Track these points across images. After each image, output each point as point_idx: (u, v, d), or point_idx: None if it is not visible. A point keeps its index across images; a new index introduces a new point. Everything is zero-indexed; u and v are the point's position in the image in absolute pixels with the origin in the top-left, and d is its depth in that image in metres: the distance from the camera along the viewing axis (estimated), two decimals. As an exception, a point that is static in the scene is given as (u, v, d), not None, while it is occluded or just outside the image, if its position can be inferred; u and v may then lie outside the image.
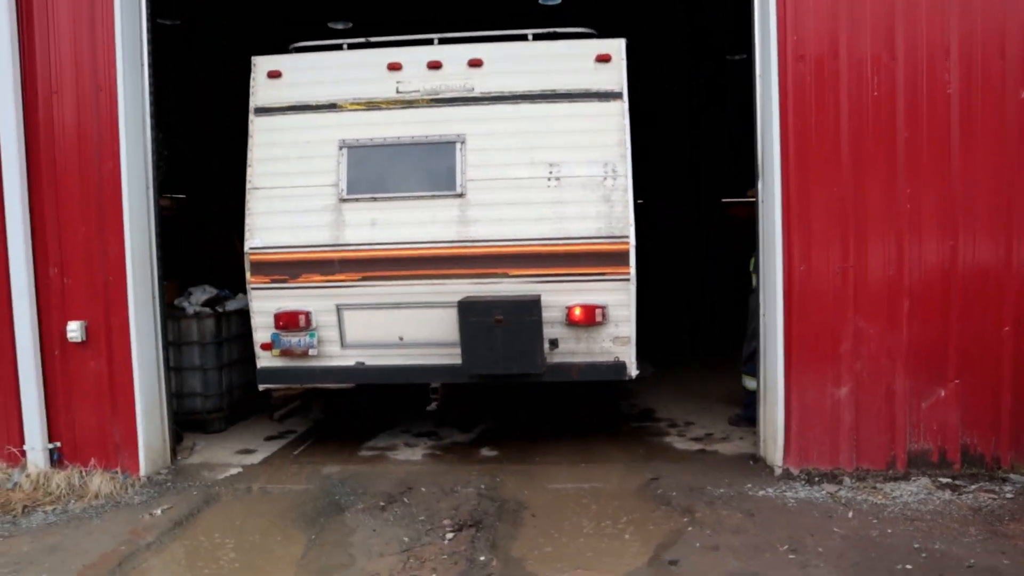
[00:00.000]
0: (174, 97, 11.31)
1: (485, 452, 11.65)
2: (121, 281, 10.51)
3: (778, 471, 10.26)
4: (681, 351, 18.50)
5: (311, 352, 10.96)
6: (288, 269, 10.83)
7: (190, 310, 12.61)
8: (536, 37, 10.96)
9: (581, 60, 10.79)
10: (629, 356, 10.65)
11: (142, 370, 10.65)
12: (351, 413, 13.82)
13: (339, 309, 10.91)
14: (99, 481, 10.52)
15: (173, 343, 11.95)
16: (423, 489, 10.17)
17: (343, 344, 11.00)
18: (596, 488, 10.10)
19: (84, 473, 10.66)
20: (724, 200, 23.80)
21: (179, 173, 11.96)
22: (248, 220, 10.87)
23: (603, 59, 10.78)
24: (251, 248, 10.90)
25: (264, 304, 10.95)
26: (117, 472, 10.73)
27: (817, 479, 10.08)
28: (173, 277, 11.79)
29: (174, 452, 11.32)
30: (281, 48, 11.55)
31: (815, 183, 9.96)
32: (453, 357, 10.48)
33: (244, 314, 12.02)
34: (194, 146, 16.59)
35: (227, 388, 12.78)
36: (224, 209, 17.45)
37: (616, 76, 10.76)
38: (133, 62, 10.55)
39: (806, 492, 9.79)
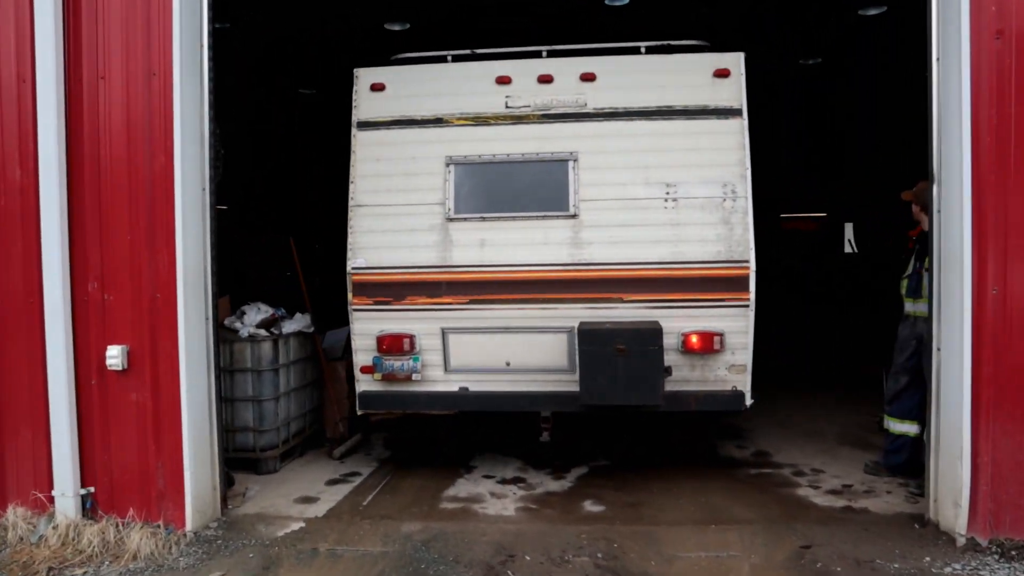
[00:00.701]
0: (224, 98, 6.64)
1: (589, 507, 7.02)
2: (171, 299, 6.21)
3: (961, 540, 5.81)
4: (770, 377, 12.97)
5: (415, 377, 7.30)
6: (392, 290, 7.28)
7: (244, 332, 7.99)
8: (649, 50, 7.26)
9: (698, 75, 7.11)
10: (745, 385, 7.06)
11: (191, 403, 6.31)
12: (420, 451, 8.95)
13: (444, 332, 7.27)
14: (138, 537, 6.08)
15: (224, 370, 7.53)
16: (527, 557, 5.88)
17: (447, 369, 7.36)
18: (738, 559, 5.80)
19: (121, 526, 6.26)
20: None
21: (228, 178, 7.28)
22: (350, 239, 7.39)
23: (721, 74, 7.06)
24: (354, 268, 7.33)
25: (366, 326, 7.36)
26: (159, 526, 6.30)
27: (1013, 553, 5.64)
28: (224, 293, 7.59)
29: (224, 500, 6.85)
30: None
31: (1015, 189, 5.65)
32: (563, 384, 7.19)
33: (303, 337, 8.63)
34: (241, 150, 11.45)
35: (283, 421, 8.22)
36: (283, 216, 12.81)
37: (735, 92, 7.07)
38: (192, 44, 6.33)
39: (1007, 572, 5.43)
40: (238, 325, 7.88)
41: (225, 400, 7.32)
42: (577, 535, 6.23)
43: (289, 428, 8.28)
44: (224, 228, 6.66)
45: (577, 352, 6.74)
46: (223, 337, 7.33)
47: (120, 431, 6.29)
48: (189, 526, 6.23)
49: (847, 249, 15.59)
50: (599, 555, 5.87)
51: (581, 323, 6.91)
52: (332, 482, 7.69)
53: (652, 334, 6.66)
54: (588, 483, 7.49)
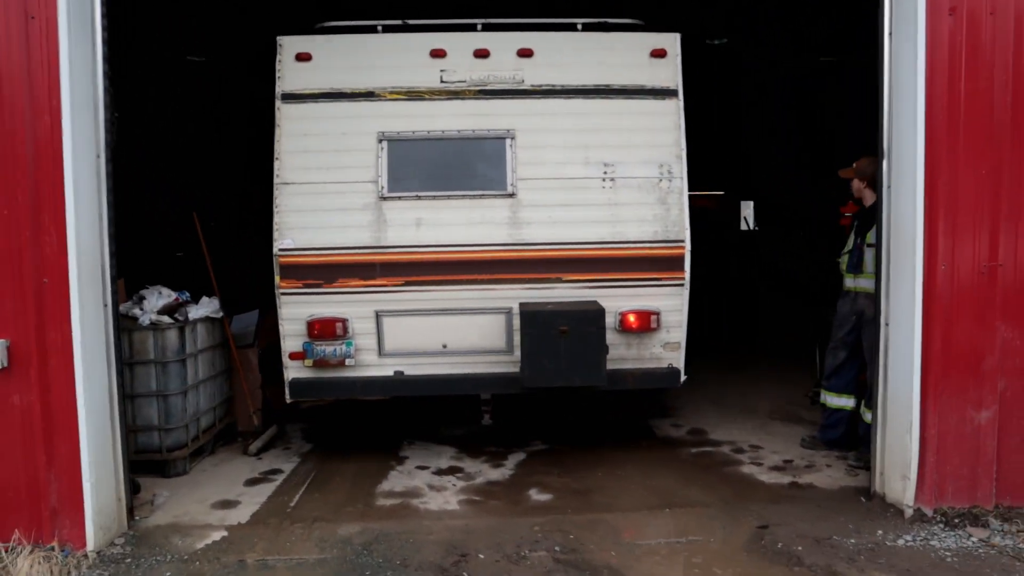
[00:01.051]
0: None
1: (536, 496, 5.51)
2: (62, 284, 4.30)
3: (909, 512, 4.81)
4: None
5: (348, 362, 5.66)
6: (323, 273, 5.62)
7: (144, 320, 5.81)
8: (586, 27, 5.85)
9: (635, 54, 5.76)
10: (680, 362, 5.89)
11: (90, 404, 4.42)
12: (343, 442, 6.78)
13: (378, 315, 5.67)
14: (27, 565, 4.14)
15: (124, 363, 5.08)
16: (481, 556, 4.44)
17: (381, 353, 5.75)
18: (699, 544, 4.57)
19: (4, 552, 4.25)
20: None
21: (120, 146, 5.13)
22: (277, 218, 5.66)
23: (658, 54, 5.74)
24: (281, 250, 5.61)
25: (295, 310, 5.67)
26: (54, 548, 4.35)
27: (956, 521, 4.72)
28: (118, 276, 5.14)
29: (131, 511, 4.92)
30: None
31: (965, 166, 4.64)
32: (502, 365, 5.77)
33: (211, 323, 6.43)
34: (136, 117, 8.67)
35: (192, 417, 6.10)
36: (185, 185, 9.73)
37: (672, 72, 5.78)
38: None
39: (954, 540, 4.52)
40: (137, 312, 5.74)
41: (128, 397, 5.34)
42: (530, 528, 4.83)
43: (199, 424, 6.18)
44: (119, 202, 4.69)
45: (520, 334, 5.39)
46: (121, 326, 5.03)
47: (1, 442, 4.36)
48: (91, 545, 4.38)
49: (744, 227, 14.07)
50: (556, 548, 4.53)
51: (522, 304, 5.56)
52: (252, 482, 5.76)
53: (595, 315, 5.41)
54: (530, 470, 5.93)
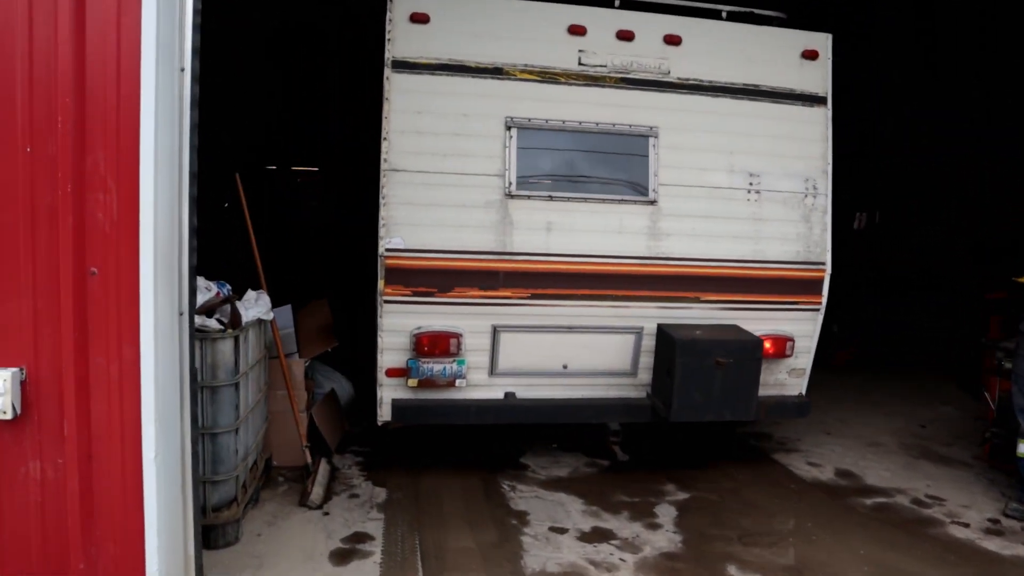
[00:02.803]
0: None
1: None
2: (126, 275, 2.62)
3: None
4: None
5: (458, 383, 4.59)
6: (438, 279, 4.48)
7: None
8: (730, 16, 4.89)
9: (786, 54, 4.88)
10: (805, 389, 5.18)
11: (163, 476, 2.71)
12: (414, 480, 4.98)
13: (495, 331, 4.61)
14: None
15: None
16: None
17: (492, 372, 4.69)
18: None
19: None
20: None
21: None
22: (384, 212, 4.39)
23: (809, 55, 4.91)
24: (388, 250, 4.41)
25: (399, 320, 4.51)
26: None
27: None
28: None
29: None
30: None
31: None
32: (625, 389, 4.90)
33: (259, 327, 4.62)
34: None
35: (241, 459, 4.10)
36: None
37: (822, 78, 4.93)
38: None
39: None
40: None
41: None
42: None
43: (246, 466, 4.23)
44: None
45: (677, 366, 4.38)
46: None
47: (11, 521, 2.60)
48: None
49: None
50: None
51: (673, 329, 4.57)
52: (338, 558, 3.85)
53: (754, 346, 4.35)
54: (697, 532, 4.38)
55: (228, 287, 4.33)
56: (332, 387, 5.50)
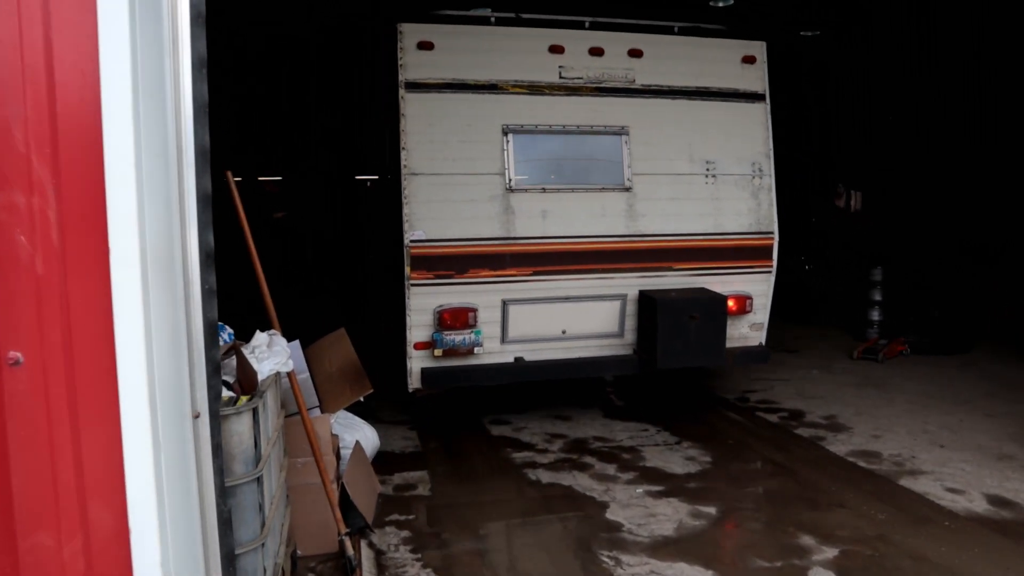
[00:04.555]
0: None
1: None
2: (94, 362, 1.81)
3: None
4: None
5: (476, 350, 5.64)
6: (455, 264, 5.53)
7: None
8: (681, 30, 6.11)
9: (728, 60, 6.12)
10: (764, 340, 6.37)
11: None
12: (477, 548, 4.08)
13: (505, 304, 5.68)
14: None
15: None
16: None
17: (504, 340, 5.74)
18: None
19: None
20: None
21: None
22: (407, 209, 5.43)
23: (748, 60, 6.15)
24: (412, 241, 5.43)
25: (424, 301, 5.54)
26: None
27: None
28: None
29: None
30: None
31: None
32: (615, 348, 6.02)
33: (277, 382, 3.57)
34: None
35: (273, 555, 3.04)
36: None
37: (760, 78, 6.17)
38: None
39: None
40: None
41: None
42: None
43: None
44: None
45: (659, 321, 5.47)
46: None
47: None
48: None
49: None
50: None
51: (653, 293, 5.64)
52: None
53: (720, 301, 5.53)
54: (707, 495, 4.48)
55: (229, 331, 3.50)
56: (356, 439, 4.46)
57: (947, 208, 9.31)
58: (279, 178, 15.52)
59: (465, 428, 6.04)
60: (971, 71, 9.05)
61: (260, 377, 3.12)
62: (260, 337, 3.46)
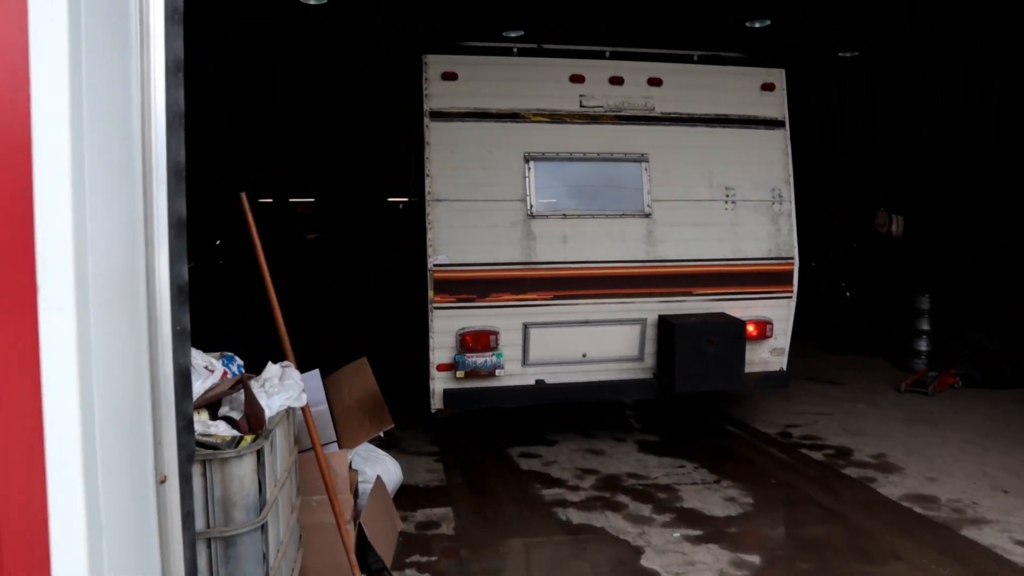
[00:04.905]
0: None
1: None
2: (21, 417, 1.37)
3: None
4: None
5: (498, 372, 5.30)
6: (477, 288, 5.25)
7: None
8: (700, 59, 5.76)
9: (747, 87, 5.76)
10: (786, 365, 5.85)
11: None
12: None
13: (526, 327, 5.36)
14: None
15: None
16: None
17: (524, 362, 5.43)
18: None
19: None
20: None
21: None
22: (431, 234, 5.21)
23: (767, 87, 5.77)
24: (436, 265, 5.18)
25: (446, 324, 5.26)
26: None
27: None
28: None
29: None
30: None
31: None
32: (634, 372, 5.58)
33: (290, 417, 3.11)
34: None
35: None
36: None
37: (779, 105, 5.81)
38: None
39: None
40: None
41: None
42: None
43: None
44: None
45: (677, 345, 5.13)
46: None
47: None
48: None
49: None
50: None
51: (671, 317, 5.31)
52: None
53: (738, 326, 5.26)
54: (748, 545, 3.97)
55: (239, 363, 2.98)
56: (377, 474, 4.01)
57: (1000, 235, 8.33)
58: (311, 200, 15.37)
59: (493, 460, 5.47)
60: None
61: (268, 414, 2.76)
62: (271, 369, 3.06)
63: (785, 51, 6.09)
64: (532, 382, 5.44)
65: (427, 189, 5.17)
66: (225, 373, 2.86)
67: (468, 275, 5.18)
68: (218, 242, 9.64)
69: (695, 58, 5.75)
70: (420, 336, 5.51)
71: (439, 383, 5.30)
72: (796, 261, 5.75)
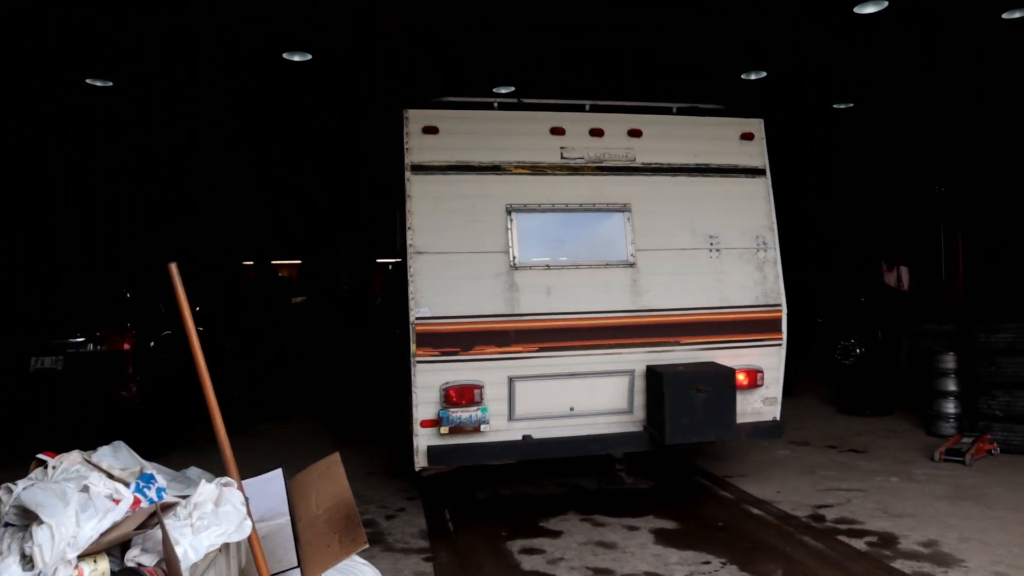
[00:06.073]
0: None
1: None
2: None
3: None
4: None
5: (483, 428, 5.34)
6: (461, 340, 5.30)
7: None
8: (679, 111, 6.08)
9: (727, 137, 6.05)
10: (779, 415, 5.91)
11: None
12: None
13: (511, 381, 5.42)
14: None
15: None
16: None
17: (511, 417, 5.45)
18: None
19: None
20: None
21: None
22: (412, 287, 5.31)
23: (747, 137, 6.06)
24: (418, 318, 5.27)
25: (429, 378, 5.31)
26: None
27: None
28: None
29: None
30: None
31: None
32: (624, 425, 5.64)
33: (226, 555, 2.63)
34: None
35: None
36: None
37: (759, 154, 6.07)
38: None
39: None
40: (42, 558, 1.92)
41: None
42: None
43: None
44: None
45: (666, 395, 5.17)
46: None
47: None
48: None
49: None
50: None
51: (661, 367, 5.40)
52: None
53: (727, 375, 5.32)
54: None
55: (159, 485, 2.42)
56: None
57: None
58: (298, 262, 15.70)
59: (491, 557, 4.90)
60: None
61: (190, 560, 2.19)
62: (204, 491, 2.40)
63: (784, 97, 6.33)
64: (519, 437, 5.47)
65: (409, 242, 5.32)
66: (137, 501, 2.22)
67: (451, 328, 5.28)
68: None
69: (674, 110, 6.05)
70: (403, 394, 5.57)
71: (423, 439, 5.33)
72: (784, 308, 5.90)
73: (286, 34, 8.45)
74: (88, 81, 9.52)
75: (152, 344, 7.43)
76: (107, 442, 2.70)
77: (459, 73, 9.60)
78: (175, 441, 7.25)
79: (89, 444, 2.65)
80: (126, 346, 7.22)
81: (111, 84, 9.71)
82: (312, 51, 8.95)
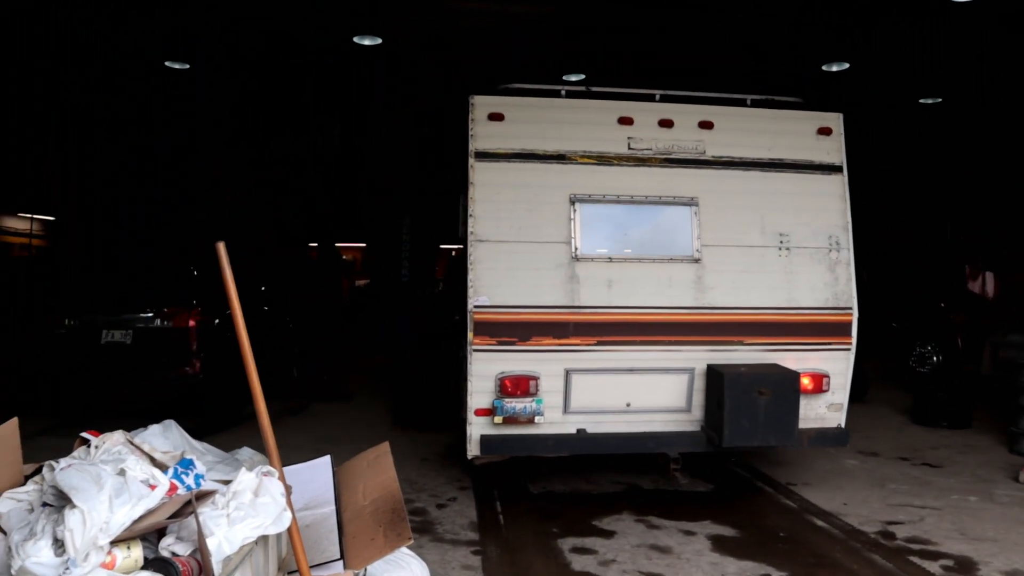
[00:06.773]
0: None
1: None
2: None
3: None
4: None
5: (537, 419, 5.40)
6: (518, 331, 5.39)
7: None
8: (754, 103, 5.95)
9: (804, 131, 5.88)
10: (844, 422, 5.77)
11: None
12: None
13: (568, 373, 5.46)
14: None
15: None
16: None
17: (566, 410, 5.50)
18: None
19: None
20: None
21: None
22: (472, 275, 5.38)
23: (824, 131, 5.88)
24: (476, 307, 5.35)
25: (485, 367, 5.39)
26: None
27: None
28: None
29: None
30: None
31: None
32: (681, 424, 5.64)
33: (263, 548, 2.47)
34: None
35: None
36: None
37: (837, 150, 5.90)
38: None
39: None
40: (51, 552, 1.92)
41: None
42: None
43: None
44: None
45: (726, 396, 5.13)
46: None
47: None
48: None
49: None
50: None
51: (722, 367, 5.36)
52: None
53: (792, 378, 5.26)
54: None
55: (198, 472, 2.34)
56: None
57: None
58: (362, 245, 16.05)
59: (541, 555, 4.81)
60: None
61: (224, 553, 2.06)
62: (244, 479, 2.29)
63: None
64: (573, 431, 5.53)
65: (470, 229, 5.42)
66: (174, 488, 2.17)
67: (509, 317, 5.36)
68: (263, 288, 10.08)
69: (748, 102, 5.94)
70: (459, 381, 5.67)
71: (477, 428, 5.44)
72: (855, 311, 5.74)
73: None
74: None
75: (217, 322, 7.75)
76: (166, 417, 2.77)
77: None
78: (236, 418, 7.56)
79: (149, 419, 2.71)
80: (191, 323, 7.58)
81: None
82: (382, 36, 9.13)
